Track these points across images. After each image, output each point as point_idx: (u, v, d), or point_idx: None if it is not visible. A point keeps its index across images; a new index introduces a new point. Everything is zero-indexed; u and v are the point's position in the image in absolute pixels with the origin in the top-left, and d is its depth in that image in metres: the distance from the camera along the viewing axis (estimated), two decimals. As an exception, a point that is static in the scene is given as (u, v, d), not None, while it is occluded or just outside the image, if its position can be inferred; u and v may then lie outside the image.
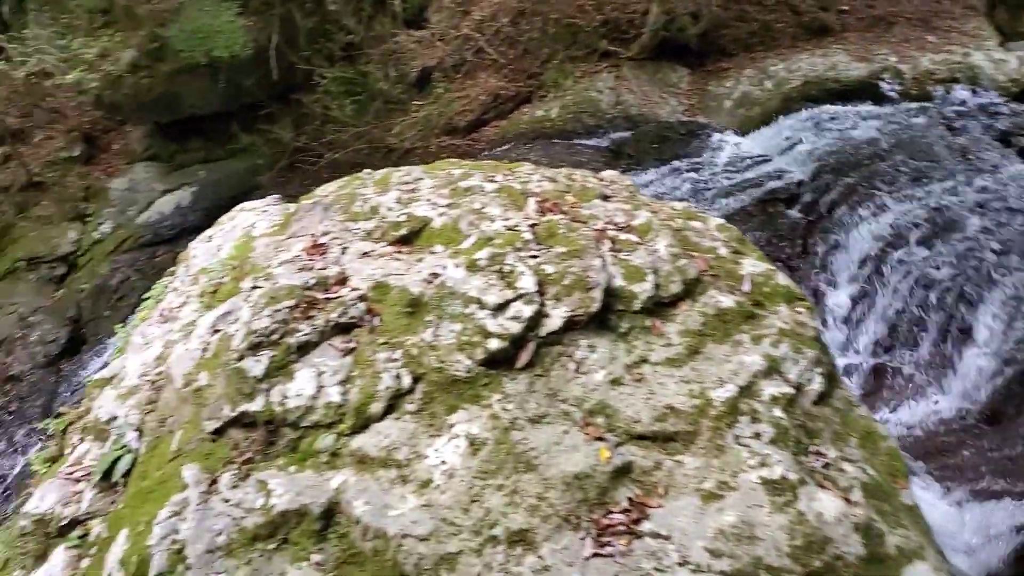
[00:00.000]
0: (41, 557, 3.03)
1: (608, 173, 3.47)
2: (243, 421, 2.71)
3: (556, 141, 11.06)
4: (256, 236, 3.79)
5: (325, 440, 2.60)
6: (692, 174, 9.06)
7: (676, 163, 9.16)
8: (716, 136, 9.95)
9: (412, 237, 3.18)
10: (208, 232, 4.58)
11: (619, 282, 2.70)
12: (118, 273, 10.63)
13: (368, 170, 3.83)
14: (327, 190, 3.84)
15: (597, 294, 2.61)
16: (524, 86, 12.08)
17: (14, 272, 10.26)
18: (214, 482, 2.63)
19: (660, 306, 2.67)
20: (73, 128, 11.29)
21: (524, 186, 3.27)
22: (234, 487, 2.59)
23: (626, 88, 11.75)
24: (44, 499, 3.12)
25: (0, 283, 10.15)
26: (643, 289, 2.67)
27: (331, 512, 2.46)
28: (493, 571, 2.19)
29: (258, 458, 2.66)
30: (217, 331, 3.07)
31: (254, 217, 4.46)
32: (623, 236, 2.90)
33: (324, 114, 11.81)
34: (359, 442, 2.56)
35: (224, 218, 4.65)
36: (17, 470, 8.97)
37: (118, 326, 4.26)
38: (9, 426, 9.33)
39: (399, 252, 3.12)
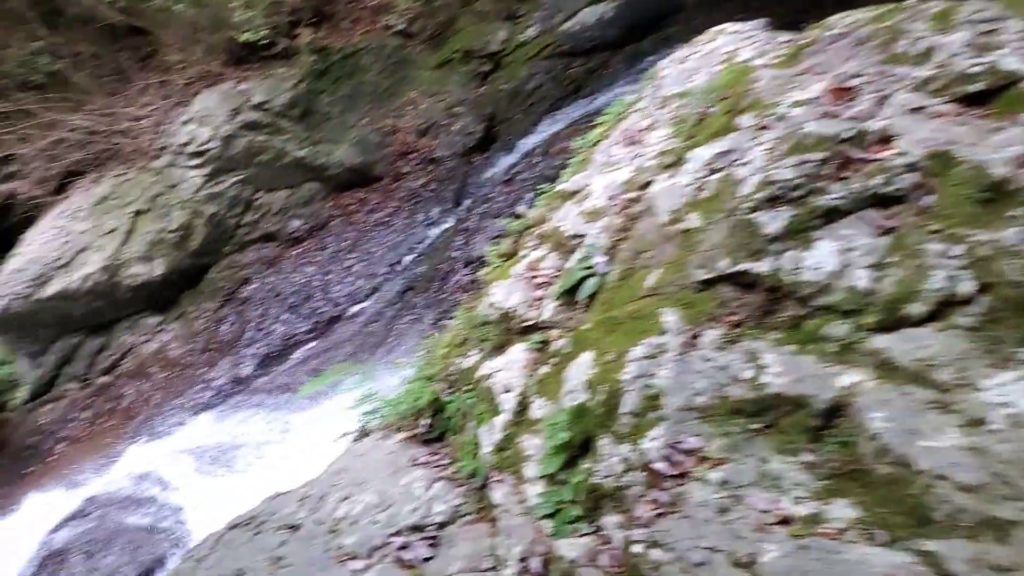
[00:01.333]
0: (499, 348, 3.22)
1: None
2: (740, 280, 2.43)
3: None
4: (755, 66, 3.33)
5: (838, 328, 2.22)
6: None
7: None
8: None
9: (989, 96, 2.46)
10: (680, 53, 4.24)
11: None
12: (534, 79, 11.07)
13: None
14: (853, 20, 3.19)
15: None
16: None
17: (450, 62, 11.21)
18: (695, 336, 2.44)
19: None
20: (520, -75, 11.51)
21: None
22: (719, 349, 2.37)
23: None
24: (509, 297, 3.26)
25: (438, 71, 11.18)
26: None
27: (834, 412, 2.12)
28: (1064, 565, 1.70)
29: (749, 324, 2.39)
30: (716, 171, 2.77)
31: (736, 43, 3.99)
32: None
33: (773, -68, 10.50)
34: (883, 343, 2.14)
35: (699, 40, 4.24)
36: (428, 240, 10.30)
37: (576, 140, 4.23)
38: (427, 202, 10.64)
39: (967, 114, 2.45)
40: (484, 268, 4.31)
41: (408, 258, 10.22)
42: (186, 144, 9.81)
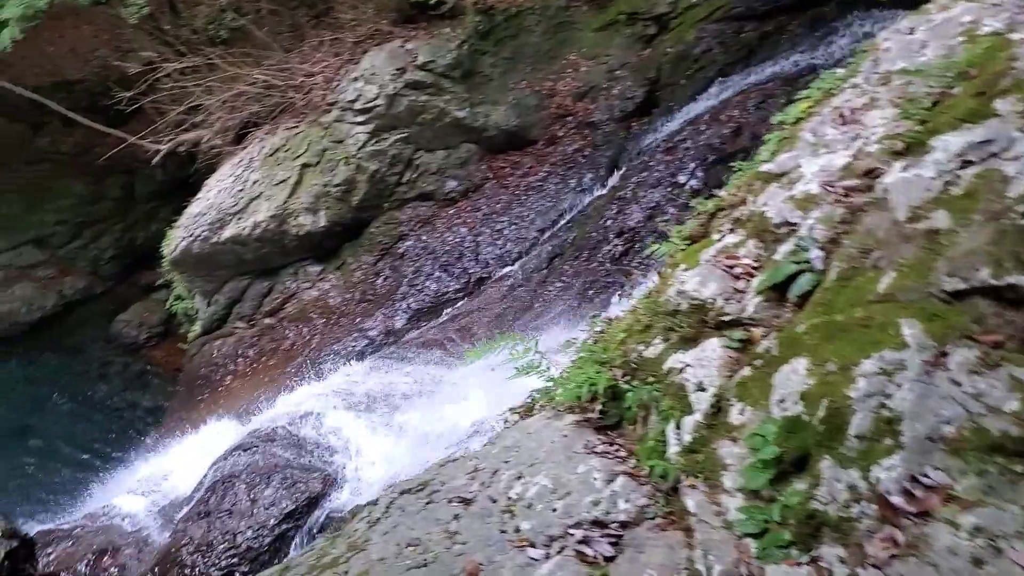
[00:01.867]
0: (691, 341, 3.01)
1: None
2: (1005, 295, 2.09)
3: None
4: (1014, 40, 2.87)
5: None
6: None
7: None
8: None
9: None
10: (907, 23, 3.76)
11: None
12: (702, 43, 10.48)
13: None
14: None
15: None
16: None
17: (614, 24, 10.82)
18: (943, 355, 2.13)
19: None
20: None
21: None
22: (973, 372, 2.05)
23: None
24: (705, 286, 3.02)
25: (601, 32, 10.83)
26: None
27: None
28: None
29: (1013, 347, 2.05)
30: (970, 163, 2.40)
31: (979, 11, 3.48)
32: None
33: None
34: None
35: (929, 7, 3.75)
36: (580, 207, 10.10)
37: (777, 116, 3.87)
38: (581, 168, 10.41)
39: None
40: (662, 248, 4.08)
41: (559, 224, 10.09)
42: (353, 101, 10.07)
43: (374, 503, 3.43)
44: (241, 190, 10.56)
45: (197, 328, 11.47)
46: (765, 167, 3.47)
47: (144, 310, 14.19)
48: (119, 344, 14.04)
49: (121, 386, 13.75)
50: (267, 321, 10.86)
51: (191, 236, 10.61)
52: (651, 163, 9.28)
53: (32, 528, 8.86)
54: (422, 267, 10.28)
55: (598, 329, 3.99)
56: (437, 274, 10.19)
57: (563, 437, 3.23)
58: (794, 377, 2.41)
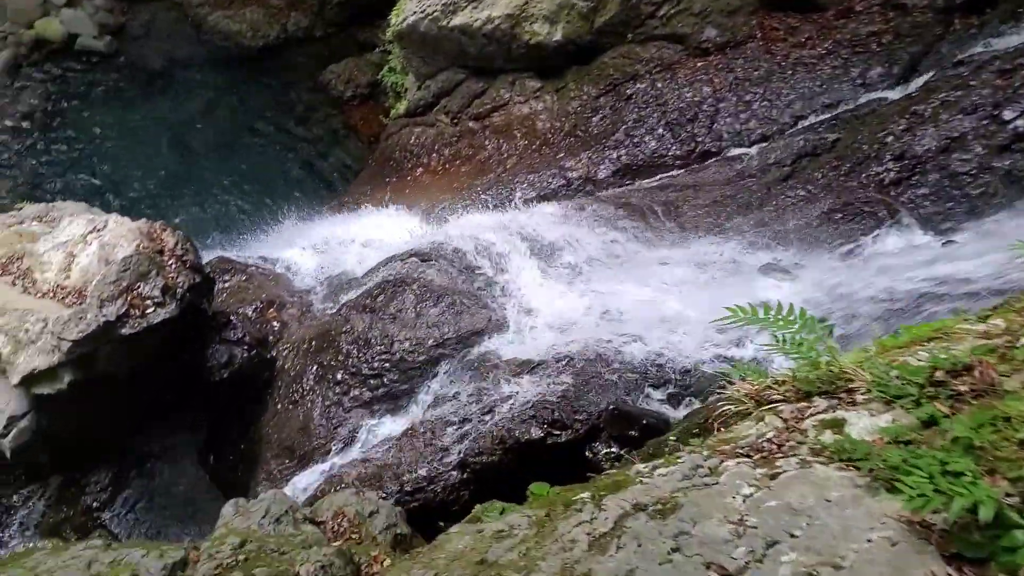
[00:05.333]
0: None
1: None
2: None
3: None
4: None
5: None
6: None
7: None
8: None
9: None
10: None
11: None
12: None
13: None
14: None
15: None
16: None
17: None
18: None
19: None
20: None
21: None
22: None
23: None
24: None
25: None
26: None
27: None
28: None
29: None
30: None
31: None
32: None
33: None
34: None
35: None
36: (855, 105, 8.14)
37: None
38: (872, 57, 8.27)
39: None
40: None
41: (820, 117, 8.23)
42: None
43: (598, 504, 2.56)
44: (483, -25, 9.19)
45: (401, 108, 10.74)
46: None
47: (355, 67, 13.54)
48: (325, 94, 13.63)
49: (320, 134, 13.55)
50: (471, 124, 9.92)
51: (422, 12, 9.51)
52: (971, 81, 7.09)
53: (214, 253, 8.90)
54: (646, 118, 8.83)
55: (971, 367, 2.71)
56: (660, 131, 8.74)
57: (890, 545, 2.16)
58: None
